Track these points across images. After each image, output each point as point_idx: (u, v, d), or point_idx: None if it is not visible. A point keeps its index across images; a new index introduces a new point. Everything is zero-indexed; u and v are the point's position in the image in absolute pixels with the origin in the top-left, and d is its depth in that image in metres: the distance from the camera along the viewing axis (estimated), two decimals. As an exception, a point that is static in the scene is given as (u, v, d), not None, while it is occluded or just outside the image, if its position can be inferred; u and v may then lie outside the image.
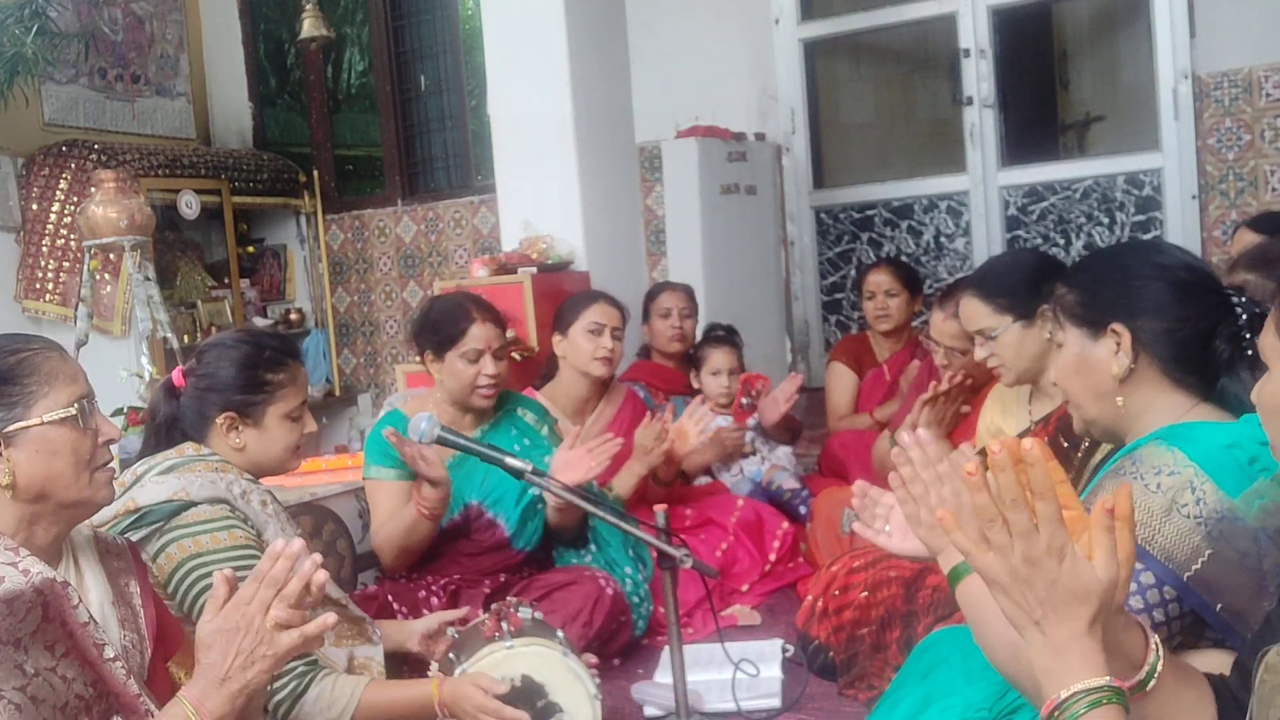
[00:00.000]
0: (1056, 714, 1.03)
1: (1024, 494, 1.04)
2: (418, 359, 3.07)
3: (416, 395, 3.30)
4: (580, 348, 3.41)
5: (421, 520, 2.73)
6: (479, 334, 2.91)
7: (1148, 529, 1.38)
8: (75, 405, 1.49)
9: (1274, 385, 1.15)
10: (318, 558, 1.47)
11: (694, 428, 3.39)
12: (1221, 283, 1.56)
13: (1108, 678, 1.03)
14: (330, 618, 1.47)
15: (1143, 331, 1.52)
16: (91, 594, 1.54)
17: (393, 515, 2.84)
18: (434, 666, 2.08)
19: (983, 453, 1.08)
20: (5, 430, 1.44)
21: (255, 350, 2.11)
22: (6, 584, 1.36)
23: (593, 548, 3.12)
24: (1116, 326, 1.54)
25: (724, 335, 3.99)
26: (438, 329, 2.95)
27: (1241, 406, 1.47)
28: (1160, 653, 1.13)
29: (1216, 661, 1.39)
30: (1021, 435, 2.48)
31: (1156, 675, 1.12)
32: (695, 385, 3.96)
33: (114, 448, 1.59)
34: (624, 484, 3.26)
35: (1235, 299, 1.51)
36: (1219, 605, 1.35)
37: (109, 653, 1.45)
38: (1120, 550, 1.06)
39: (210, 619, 1.44)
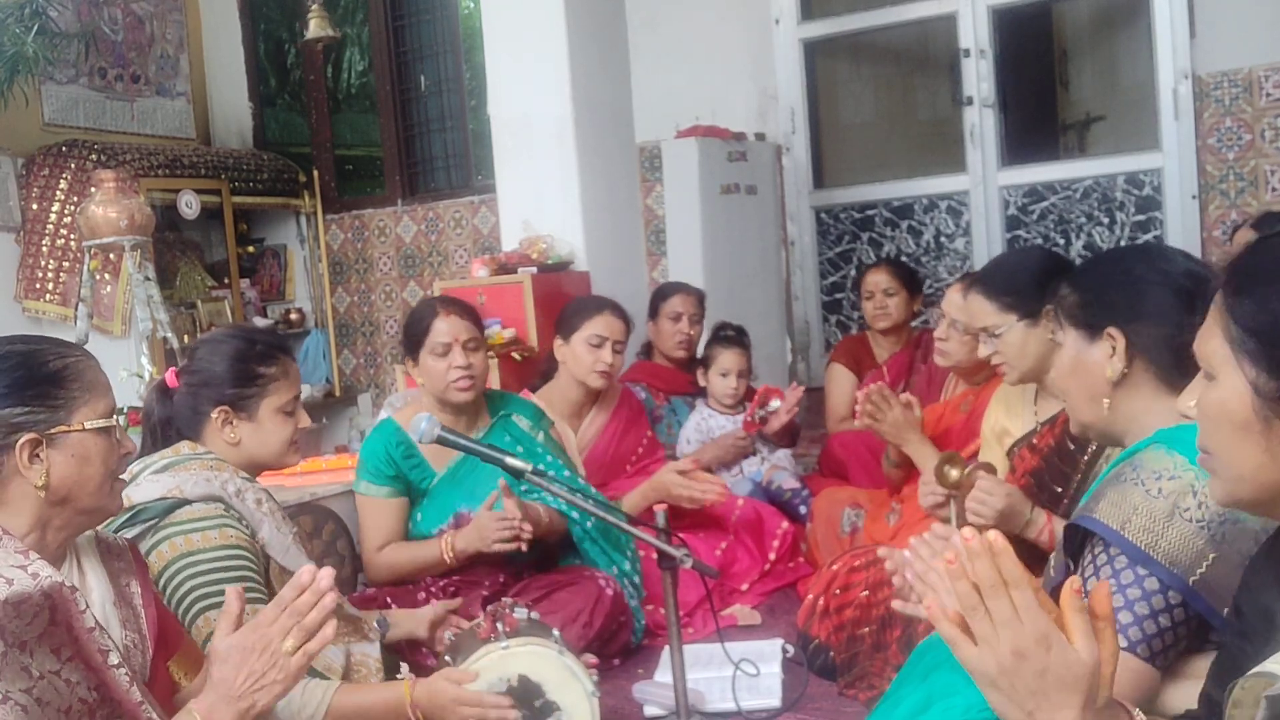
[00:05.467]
0: None
1: (1001, 582, 1.05)
2: (409, 360, 3.10)
3: (409, 402, 3.29)
4: (580, 358, 3.39)
5: (442, 564, 2.83)
6: (443, 327, 2.92)
7: (1151, 534, 1.37)
8: (115, 416, 1.53)
9: (1221, 394, 1.12)
10: (330, 572, 1.48)
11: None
12: None
13: None
14: (329, 630, 1.49)
15: (1139, 336, 1.52)
16: (94, 595, 1.55)
17: (390, 533, 2.90)
18: (404, 667, 2.08)
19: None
20: (49, 432, 1.46)
21: (246, 344, 2.14)
22: (15, 586, 1.36)
23: (575, 560, 3.10)
24: (1112, 330, 1.54)
25: (734, 336, 3.97)
26: (408, 331, 3.01)
27: None
28: None
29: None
30: (1027, 436, 2.50)
31: None
32: (702, 383, 3.95)
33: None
34: (633, 505, 3.21)
35: None
36: (1226, 610, 1.33)
37: (113, 659, 1.46)
38: (1104, 648, 1.06)
39: (224, 634, 1.47)
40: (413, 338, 2.97)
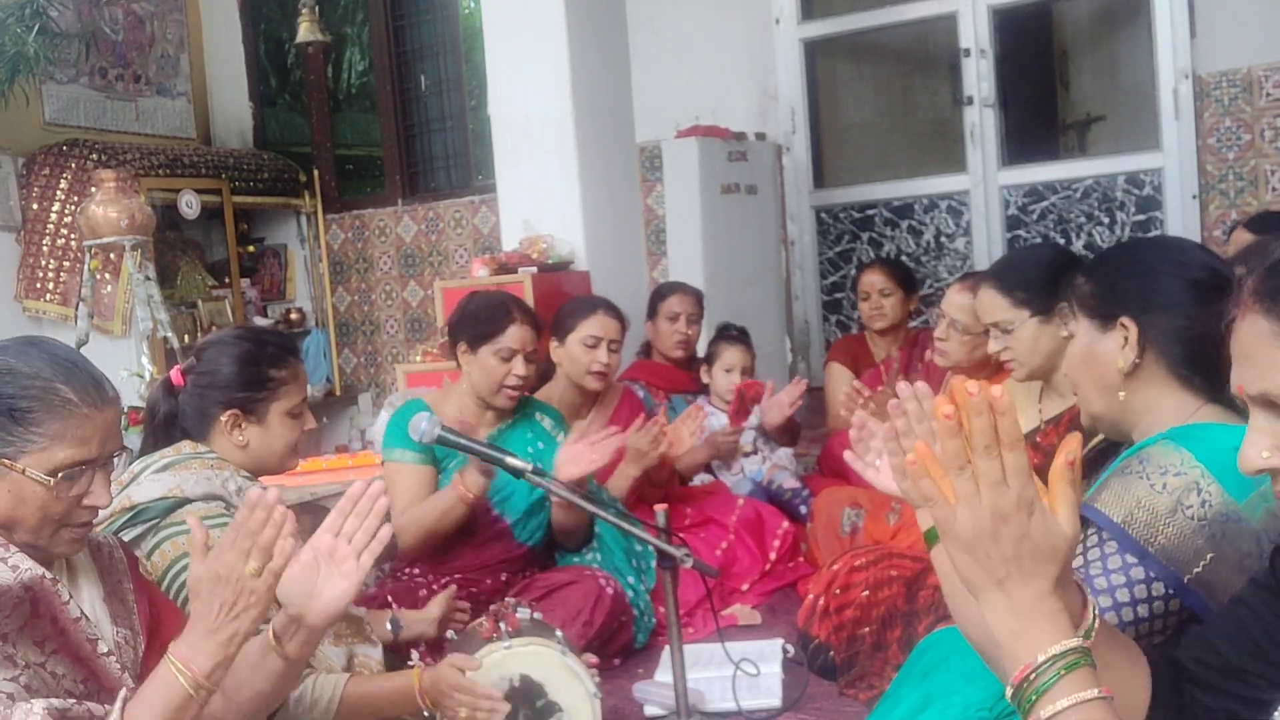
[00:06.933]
0: (1030, 679, 0.98)
1: (996, 442, 0.99)
2: (450, 350, 3.12)
3: (440, 390, 3.29)
4: (576, 359, 3.39)
5: (461, 504, 2.79)
6: (516, 334, 2.95)
7: (1150, 529, 1.37)
8: (63, 474, 1.43)
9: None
10: (276, 491, 1.47)
11: (687, 430, 3.38)
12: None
13: (1078, 639, 0.99)
14: (288, 544, 1.46)
15: (1152, 328, 1.51)
16: (83, 592, 1.54)
17: (417, 498, 2.90)
18: (414, 655, 2.09)
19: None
20: None
21: (257, 347, 2.10)
22: None
23: (597, 555, 3.11)
24: (1125, 320, 1.53)
25: (739, 335, 3.99)
26: (477, 322, 2.99)
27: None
28: (1096, 613, 1.09)
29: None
30: (1031, 434, 2.50)
31: (1094, 633, 1.08)
32: (705, 379, 3.95)
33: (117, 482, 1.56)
34: (618, 487, 3.24)
35: None
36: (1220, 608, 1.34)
37: (102, 648, 1.45)
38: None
39: (196, 565, 1.45)
40: (480, 331, 2.97)
